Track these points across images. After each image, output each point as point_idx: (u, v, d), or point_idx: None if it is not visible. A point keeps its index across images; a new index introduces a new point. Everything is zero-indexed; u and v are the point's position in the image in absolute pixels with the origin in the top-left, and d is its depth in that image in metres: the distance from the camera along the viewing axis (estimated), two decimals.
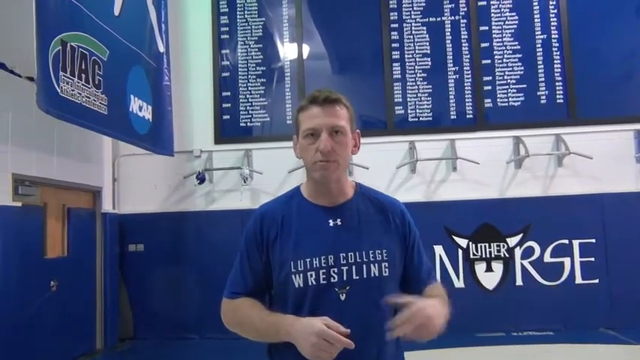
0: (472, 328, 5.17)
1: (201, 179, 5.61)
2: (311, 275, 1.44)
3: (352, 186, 1.60)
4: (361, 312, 1.44)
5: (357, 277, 1.45)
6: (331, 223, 1.50)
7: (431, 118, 5.75)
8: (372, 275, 1.46)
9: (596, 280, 5.37)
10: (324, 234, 1.49)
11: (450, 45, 5.79)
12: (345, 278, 1.44)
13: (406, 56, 5.80)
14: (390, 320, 1.37)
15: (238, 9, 5.96)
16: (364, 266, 1.46)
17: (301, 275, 1.44)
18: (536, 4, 5.77)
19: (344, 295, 1.44)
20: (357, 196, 1.57)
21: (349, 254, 1.46)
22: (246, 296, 1.52)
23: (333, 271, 1.44)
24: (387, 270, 1.47)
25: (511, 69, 5.73)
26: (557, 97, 5.67)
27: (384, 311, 1.44)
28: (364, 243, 1.48)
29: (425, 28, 5.82)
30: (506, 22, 5.78)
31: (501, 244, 5.49)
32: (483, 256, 5.49)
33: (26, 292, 4.26)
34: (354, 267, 1.45)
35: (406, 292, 1.45)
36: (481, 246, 5.50)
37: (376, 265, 1.46)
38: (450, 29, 5.80)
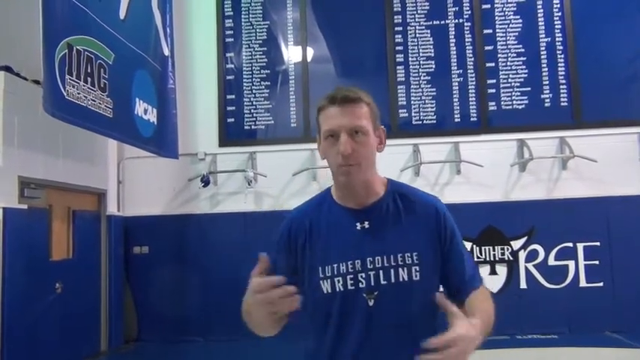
0: None
1: (205, 182, 5.62)
2: (338, 281, 1.40)
3: (383, 183, 1.52)
4: (390, 317, 1.39)
5: (385, 282, 1.39)
6: (358, 226, 1.45)
7: (435, 121, 5.76)
8: (401, 280, 1.40)
9: (601, 283, 5.35)
10: (351, 238, 1.44)
11: (454, 48, 5.79)
12: (372, 283, 1.40)
13: (410, 59, 5.80)
14: (424, 335, 1.24)
15: (243, 12, 5.98)
16: (392, 270, 1.40)
17: (329, 281, 1.41)
18: (540, 6, 5.76)
19: (372, 300, 1.39)
20: (387, 195, 1.49)
21: (376, 258, 1.41)
22: None
23: (361, 276, 1.40)
24: (417, 274, 1.40)
25: (515, 72, 5.72)
26: (562, 100, 5.67)
27: (415, 316, 1.40)
28: (393, 246, 1.42)
29: (429, 31, 5.82)
30: (511, 25, 5.77)
31: (505, 247, 5.48)
32: (487, 259, 5.47)
33: (31, 294, 4.27)
34: (381, 272, 1.40)
35: (450, 299, 1.34)
36: (485, 249, 5.49)
37: (405, 269, 1.40)
38: (454, 32, 5.80)
